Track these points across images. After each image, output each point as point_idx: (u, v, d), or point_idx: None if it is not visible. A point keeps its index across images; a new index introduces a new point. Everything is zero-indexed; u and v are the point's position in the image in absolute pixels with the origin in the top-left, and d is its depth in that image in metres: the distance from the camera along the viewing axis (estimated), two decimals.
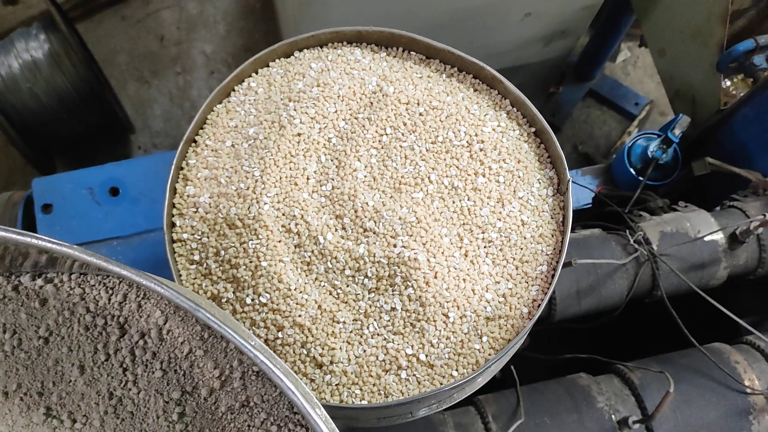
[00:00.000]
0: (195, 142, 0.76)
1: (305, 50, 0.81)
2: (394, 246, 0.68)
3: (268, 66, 0.81)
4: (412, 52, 0.82)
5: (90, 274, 0.63)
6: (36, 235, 0.50)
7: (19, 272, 0.62)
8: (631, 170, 1.42)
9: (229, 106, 0.78)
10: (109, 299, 0.62)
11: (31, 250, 0.58)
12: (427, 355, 0.67)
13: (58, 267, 0.63)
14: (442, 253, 0.69)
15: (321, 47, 0.81)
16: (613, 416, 1.12)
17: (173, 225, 0.73)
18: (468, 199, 0.72)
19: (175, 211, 0.74)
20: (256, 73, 0.80)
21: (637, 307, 1.28)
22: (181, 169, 0.75)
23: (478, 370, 0.67)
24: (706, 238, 1.22)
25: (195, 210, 0.72)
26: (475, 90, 0.80)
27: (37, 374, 0.60)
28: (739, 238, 1.21)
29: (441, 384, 0.67)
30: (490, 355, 0.69)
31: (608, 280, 1.19)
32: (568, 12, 1.47)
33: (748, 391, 1.12)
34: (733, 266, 1.24)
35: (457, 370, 0.68)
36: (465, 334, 0.68)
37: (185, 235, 0.72)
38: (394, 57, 0.81)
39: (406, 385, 0.67)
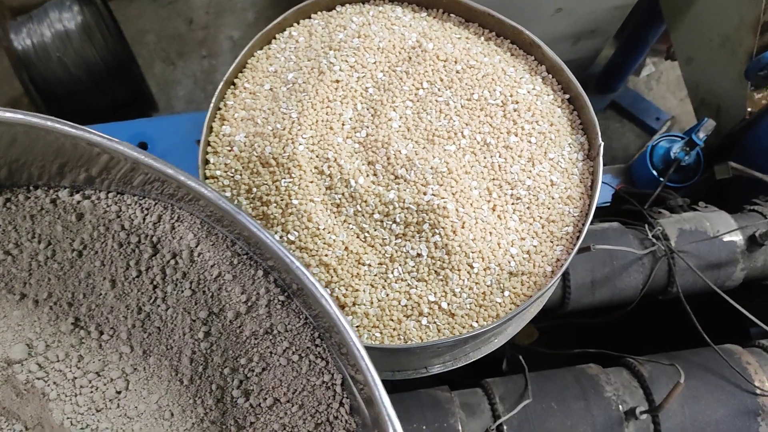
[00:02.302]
0: (233, 84, 0.78)
1: (347, 5, 0.82)
2: (424, 194, 0.69)
3: (309, 17, 0.82)
4: (451, 15, 0.83)
5: (127, 194, 0.64)
6: (89, 129, 0.51)
7: (57, 187, 0.64)
8: (653, 170, 1.42)
9: (270, 52, 0.79)
10: (144, 219, 0.63)
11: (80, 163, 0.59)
12: (449, 304, 0.68)
13: (96, 185, 0.64)
14: (471, 204, 0.70)
15: (363, 3, 0.83)
16: (620, 406, 1.12)
17: (207, 162, 0.74)
18: (499, 156, 0.73)
19: (209, 149, 0.75)
20: (298, 23, 0.82)
21: (650, 304, 1.28)
22: (219, 109, 0.77)
23: (497, 322, 0.67)
24: (724, 238, 1.22)
25: (230, 148, 0.74)
26: (512, 54, 0.81)
27: (69, 285, 0.61)
28: (758, 240, 1.20)
29: (460, 333, 0.67)
30: (510, 309, 0.69)
31: (624, 273, 1.19)
32: (599, 10, 1.48)
33: (758, 392, 1.12)
34: (750, 268, 1.24)
35: (477, 321, 0.68)
36: (488, 286, 0.69)
37: (218, 172, 0.73)
38: (434, 18, 0.83)
39: (425, 332, 0.68)
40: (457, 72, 0.76)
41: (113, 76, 2.12)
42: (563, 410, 1.09)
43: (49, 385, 0.58)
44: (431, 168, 0.70)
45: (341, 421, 0.61)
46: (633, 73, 2.43)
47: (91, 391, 0.58)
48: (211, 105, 0.75)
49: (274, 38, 0.81)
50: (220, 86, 0.76)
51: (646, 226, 1.23)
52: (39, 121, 0.50)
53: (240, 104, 0.76)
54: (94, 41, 2.09)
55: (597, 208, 0.83)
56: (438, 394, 1.05)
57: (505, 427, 1.04)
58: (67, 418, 0.58)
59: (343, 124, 0.73)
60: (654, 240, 1.20)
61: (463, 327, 0.68)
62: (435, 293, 0.68)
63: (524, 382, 1.12)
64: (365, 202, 0.69)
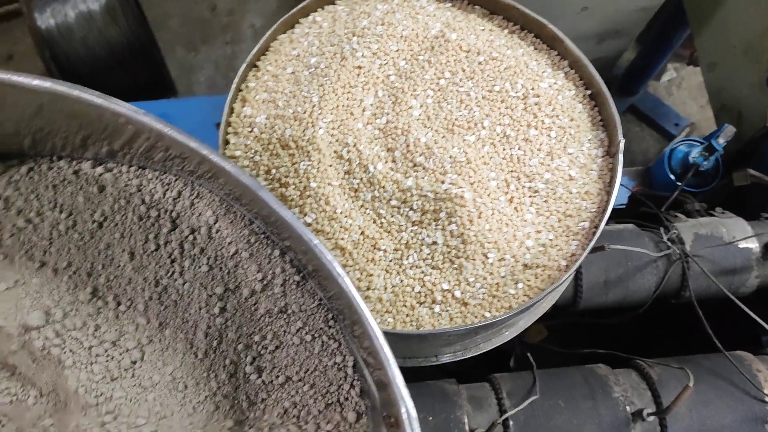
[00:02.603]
0: (256, 66, 0.78)
1: None
2: (442, 182, 0.69)
3: (334, 3, 0.82)
4: (476, 6, 0.83)
5: (148, 169, 0.65)
6: (116, 100, 0.51)
7: (80, 158, 0.65)
8: (671, 174, 1.42)
9: (293, 36, 0.80)
10: (164, 194, 0.63)
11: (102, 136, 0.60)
12: (462, 293, 0.68)
13: (118, 159, 0.65)
14: (488, 195, 0.70)
15: None
16: (627, 407, 1.11)
17: (227, 142, 0.75)
18: (518, 149, 0.73)
19: (230, 130, 0.75)
20: (322, 8, 0.82)
21: (661, 307, 1.27)
22: (240, 90, 0.77)
23: (509, 313, 0.67)
24: (740, 245, 1.21)
25: (250, 129, 0.74)
26: (535, 48, 0.81)
27: (88, 256, 0.62)
28: None
29: (472, 322, 0.68)
30: (523, 301, 0.69)
31: (637, 274, 1.19)
32: (624, 11, 1.47)
33: (767, 399, 1.11)
34: (764, 276, 1.23)
35: (489, 311, 0.68)
36: (502, 277, 0.69)
37: (238, 152, 0.74)
38: (458, 8, 0.83)
39: (438, 319, 0.68)
40: (480, 63, 0.76)
41: (134, 59, 2.13)
42: (570, 408, 1.09)
43: (65, 353, 0.59)
44: (450, 157, 0.70)
45: (351, 402, 0.62)
46: (654, 78, 2.41)
47: (107, 360, 0.59)
48: (233, 86, 0.76)
49: (298, 23, 0.81)
50: (242, 68, 0.77)
51: (662, 229, 1.22)
52: (66, 90, 0.51)
53: (262, 86, 0.76)
54: (117, 23, 2.11)
55: (613, 210, 0.83)
56: (446, 386, 1.05)
57: (511, 422, 1.04)
58: (82, 385, 0.59)
59: (363, 110, 0.73)
60: (669, 243, 1.19)
61: (476, 316, 0.68)
62: (449, 281, 0.68)
63: (532, 378, 1.12)
64: (383, 188, 0.69)
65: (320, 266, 0.51)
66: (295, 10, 0.79)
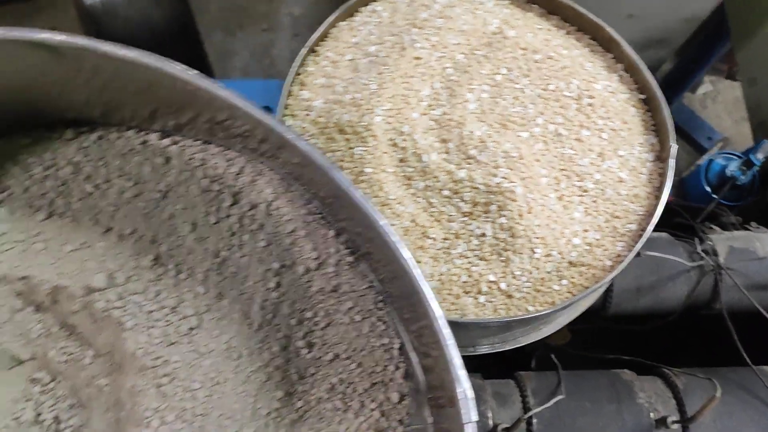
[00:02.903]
0: (314, 52, 0.80)
1: None
2: (494, 176, 0.70)
3: None
4: (533, 5, 0.84)
5: (213, 144, 0.67)
6: (186, 67, 0.53)
7: (148, 130, 0.67)
8: (707, 186, 1.41)
9: (353, 24, 0.81)
10: (227, 169, 0.65)
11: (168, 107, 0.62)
12: (507, 285, 0.69)
13: (184, 132, 0.67)
14: (539, 191, 0.71)
15: None
16: (651, 414, 1.12)
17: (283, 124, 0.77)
18: (570, 148, 0.74)
19: (287, 112, 0.77)
20: None
21: (690, 317, 1.27)
22: (298, 75, 0.79)
23: (552, 309, 0.69)
24: None
25: (307, 113, 0.76)
26: (591, 50, 0.82)
27: (152, 224, 0.64)
28: None
29: (516, 314, 0.69)
30: (566, 297, 0.70)
31: (669, 283, 1.19)
32: (670, 20, 1.47)
33: None
34: None
35: (533, 305, 0.70)
36: (547, 272, 0.70)
37: None
38: (516, 6, 0.84)
39: (482, 309, 0.69)
40: (536, 62, 0.77)
41: (175, 42, 2.16)
42: (595, 410, 1.09)
43: (125, 315, 0.62)
44: (503, 152, 0.71)
45: (395, 384, 0.63)
46: (689, 90, 2.40)
47: (165, 325, 0.61)
48: (292, 70, 0.78)
49: (358, 11, 0.83)
50: (302, 52, 0.78)
51: (696, 240, 1.22)
52: (152, 61, 0.53)
53: (320, 71, 0.78)
54: (160, 4, 2.14)
55: None
56: (471, 380, 1.06)
57: (535, 420, 1.05)
58: (140, 348, 0.61)
59: (420, 101, 0.74)
60: (703, 254, 1.19)
61: (519, 309, 0.69)
62: (495, 273, 0.69)
63: (557, 378, 1.12)
64: (436, 177, 0.71)
65: (382, 247, 0.53)
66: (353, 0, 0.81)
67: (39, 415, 0.64)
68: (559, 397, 1.06)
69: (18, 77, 0.58)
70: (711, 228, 1.29)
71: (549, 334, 0.80)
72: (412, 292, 0.50)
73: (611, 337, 1.45)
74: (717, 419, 1.10)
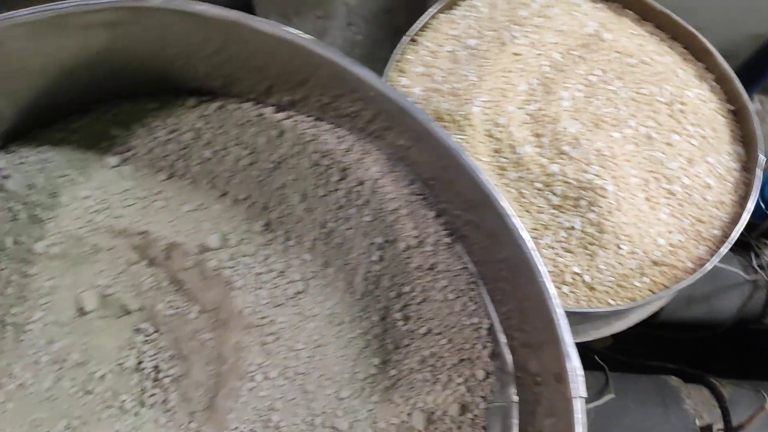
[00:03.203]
0: (414, 41, 0.83)
1: None
2: (586, 172, 0.73)
3: None
4: (628, 11, 0.87)
5: (325, 120, 0.70)
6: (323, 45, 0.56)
7: (264, 104, 0.70)
8: (762, 203, 1.42)
9: (452, 17, 0.84)
10: (336, 146, 0.69)
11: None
12: (591, 278, 0.72)
13: (298, 108, 0.70)
14: (628, 190, 0.74)
15: None
16: (697, 421, 1.14)
17: None
18: (660, 152, 0.76)
19: None
20: None
21: (738, 330, 1.29)
22: (397, 62, 0.82)
23: (632, 305, 0.71)
24: None
25: None
26: (683, 59, 0.84)
27: (264, 192, 0.68)
28: None
29: (597, 306, 0.72)
30: (647, 294, 0.73)
31: (723, 294, 1.21)
32: (735, 35, 1.47)
33: None
34: None
35: (614, 299, 0.73)
36: (630, 269, 0.73)
37: None
38: (612, 11, 0.86)
39: (564, 300, 0.72)
40: (630, 65, 0.80)
41: None
42: (642, 412, 1.12)
43: (235, 275, 0.65)
44: (595, 150, 0.74)
45: (481, 362, 0.67)
46: None
47: (273, 287, 0.65)
48: (392, 57, 0.81)
49: (456, 5, 0.86)
50: (404, 40, 0.82)
51: (752, 254, 1.23)
52: (292, 37, 0.56)
53: (419, 60, 0.81)
54: None
55: None
56: None
57: None
58: (247, 307, 0.65)
59: (517, 95, 0.77)
60: (758, 269, 1.21)
61: (600, 302, 0.72)
62: (580, 266, 0.72)
63: (604, 378, 1.15)
64: (528, 169, 0.74)
65: (495, 225, 0.55)
66: None
67: (140, 363, 0.68)
68: (610, 396, 1.09)
69: (157, 45, 0.62)
70: (766, 243, 1.31)
71: (619, 330, 0.83)
72: (523, 270, 0.53)
73: (653, 343, 1.46)
74: (762, 430, 1.11)
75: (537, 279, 0.51)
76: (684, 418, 1.13)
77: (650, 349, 1.51)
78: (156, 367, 0.69)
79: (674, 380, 1.20)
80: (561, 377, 0.51)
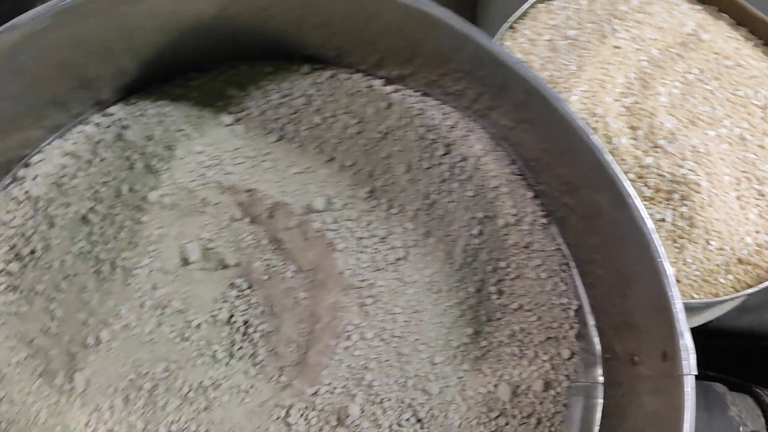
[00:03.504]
0: (512, 28, 0.85)
1: None
2: (681, 167, 0.74)
3: None
4: (724, 14, 0.87)
5: (432, 96, 0.72)
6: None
7: (374, 76, 0.73)
8: None
9: (551, 8, 0.86)
10: (442, 121, 0.71)
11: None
12: (677, 271, 0.74)
13: (406, 82, 0.72)
14: (721, 188, 0.75)
15: None
16: (741, 428, 1.14)
17: None
18: (753, 153, 0.77)
19: None
20: None
21: None
22: None
23: (714, 299, 0.73)
24: None
25: None
26: None
27: (370, 160, 0.70)
28: None
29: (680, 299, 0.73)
30: (729, 291, 0.74)
31: None
32: None
33: None
34: None
35: (698, 293, 0.74)
36: (717, 265, 0.74)
37: None
38: (709, 13, 0.87)
39: None
40: (726, 67, 0.81)
41: None
42: None
43: (337, 238, 0.68)
44: (691, 146, 0.75)
45: (567, 341, 0.68)
46: None
47: (374, 252, 0.67)
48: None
49: None
50: (503, 27, 0.83)
51: None
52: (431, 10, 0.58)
53: (517, 47, 0.83)
54: None
55: None
56: None
57: None
58: (348, 269, 0.67)
59: (614, 87, 0.79)
60: None
61: (684, 295, 0.74)
62: (667, 258, 0.73)
63: None
64: (623, 160, 0.75)
65: (611, 208, 0.57)
66: None
67: (232, 317, 0.71)
68: None
69: (266, 13, 0.64)
70: None
71: (690, 326, 0.84)
72: (639, 251, 0.55)
73: (699, 350, 1.46)
74: None
75: (655, 259, 0.52)
76: (728, 424, 1.13)
77: (697, 357, 1.51)
78: (246, 322, 0.71)
79: (719, 387, 1.20)
80: (669, 355, 0.52)
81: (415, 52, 0.68)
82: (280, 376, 0.69)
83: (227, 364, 0.70)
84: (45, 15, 0.53)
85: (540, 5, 0.87)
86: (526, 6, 0.84)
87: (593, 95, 0.78)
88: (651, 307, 0.55)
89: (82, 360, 0.65)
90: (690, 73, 0.80)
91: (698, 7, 0.87)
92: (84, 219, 0.66)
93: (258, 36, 0.69)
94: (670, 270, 0.51)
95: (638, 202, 0.52)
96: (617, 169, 0.53)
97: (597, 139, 0.53)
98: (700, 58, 0.81)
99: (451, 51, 0.64)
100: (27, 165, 0.67)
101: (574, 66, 0.78)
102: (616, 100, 0.78)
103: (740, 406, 1.16)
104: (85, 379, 0.64)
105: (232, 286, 0.72)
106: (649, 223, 0.52)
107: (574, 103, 0.77)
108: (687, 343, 0.51)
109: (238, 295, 0.72)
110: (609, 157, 0.53)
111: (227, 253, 0.71)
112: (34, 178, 0.66)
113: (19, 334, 0.64)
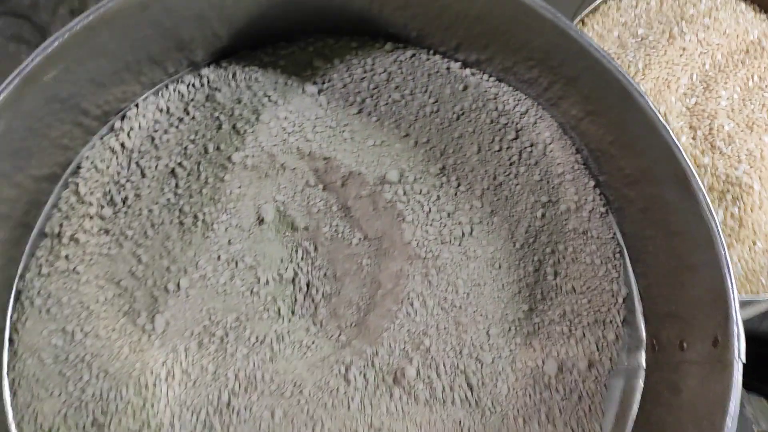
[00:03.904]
0: (582, 23, 0.88)
1: None
2: (736, 169, 0.78)
3: None
4: None
5: (506, 83, 0.76)
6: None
7: (452, 59, 0.76)
8: None
9: (621, 5, 0.89)
10: (514, 107, 0.74)
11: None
12: None
13: (482, 67, 0.76)
14: None
15: None
16: (754, 427, 1.18)
17: None
18: None
19: None
20: None
21: None
22: None
23: (755, 297, 0.77)
24: None
25: None
26: None
27: (443, 139, 0.73)
28: None
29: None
30: None
31: None
32: None
33: None
34: None
35: (739, 291, 0.77)
36: (760, 265, 0.78)
37: None
38: None
39: None
40: None
41: None
42: None
43: (407, 210, 0.71)
44: (747, 150, 0.78)
45: (614, 325, 0.72)
46: None
47: (441, 226, 0.71)
48: None
49: None
50: (574, 23, 0.86)
51: None
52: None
53: None
54: None
55: None
56: None
57: None
58: (415, 239, 0.71)
59: (678, 88, 0.82)
60: None
61: None
62: None
63: None
64: None
65: (679, 201, 0.60)
66: None
67: (296, 275, 0.75)
68: None
69: None
70: None
71: None
72: (700, 242, 0.58)
73: None
74: None
75: (719, 252, 0.56)
76: (742, 423, 1.17)
77: None
78: (309, 283, 0.76)
79: None
80: (721, 342, 0.56)
81: (492, 37, 0.71)
82: (339, 335, 0.74)
83: (289, 320, 0.74)
84: None
85: (611, 2, 0.89)
86: (596, 2, 0.87)
87: (658, 94, 0.81)
88: (707, 295, 0.58)
89: (162, 303, 0.69)
90: (751, 80, 0.83)
91: (764, 16, 0.90)
92: (172, 172, 0.71)
93: (345, 12, 0.72)
94: (730, 262, 0.55)
95: (706, 196, 0.56)
96: (690, 163, 0.56)
97: (671, 132, 0.56)
98: (762, 65, 0.84)
99: (527, 37, 0.67)
100: (123, 117, 0.71)
101: (641, 64, 0.81)
102: (679, 100, 0.81)
103: (755, 406, 1.20)
104: (165, 321, 0.69)
105: (299, 247, 0.76)
106: (715, 217, 0.56)
107: None
108: (740, 330, 0.54)
109: (304, 257, 0.76)
110: (681, 151, 0.56)
111: (298, 216, 0.75)
112: (129, 131, 0.70)
113: (108, 274, 0.69)
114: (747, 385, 1.23)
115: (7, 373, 0.66)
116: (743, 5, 0.89)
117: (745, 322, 1.21)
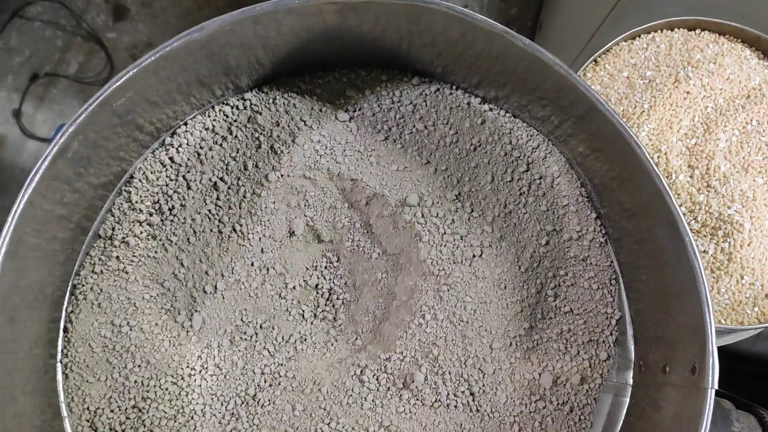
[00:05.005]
0: (595, 62, 0.94)
1: (705, 31, 0.96)
2: (729, 207, 0.84)
3: (672, 30, 0.97)
4: None
5: (520, 119, 0.82)
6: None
7: (471, 94, 0.83)
8: None
9: (632, 47, 0.95)
10: (527, 142, 0.81)
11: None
12: (711, 298, 0.84)
13: (500, 104, 0.83)
14: (762, 231, 0.85)
15: (719, 34, 0.97)
16: None
17: None
18: None
19: None
20: (661, 31, 0.97)
21: None
22: None
23: (741, 327, 0.83)
24: None
25: None
26: None
27: (461, 167, 0.80)
28: None
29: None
30: (753, 322, 0.85)
31: None
32: None
33: None
34: None
35: (725, 320, 0.84)
36: (746, 297, 0.84)
37: None
38: None
39: None
40: None
41: None
42: None
43: (423, 231, 0.78)
44: (740, 190, 0.85)
45: (606, 345, 0.79)
46: None
47: (454, 247, 0.78)
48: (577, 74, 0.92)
49: (639, 36, 0.96)
50: (587, 63, 0.93)
51: None
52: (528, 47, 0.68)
53: (597, 80, 0.93)
54: None
55: None
56: None
57: None
58: (430, 258, 0.78)
59: (680, 129, 0.88)
60: None
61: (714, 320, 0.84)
62: None
63: None
64: (678, 195, 0.85)
65: (664, 237, 0.67)
66: (640, 27, 0.94)
67: (319, 283, 0.83)
68: None
69: (376, 29, 0.74)
70: None
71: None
72: (684, 278, 0.65)
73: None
74: None
75: (699, 288, 0.63)
76: None
77: None
78: (331, 289, 0.83)
79: (726, 403, 1.30)
80: (698, 369, 0.63)
81: (509, 77, 0.78)
82: (356, 339, 0.82)
83: (312, 323, 0.82)
84: (227, 22, 0.65)
85: (623, 43, 0.96)
86: (610, 44, 0.93)
87: (660, 133, 0.87)
88: (688, 326, 0.65)
89: (200, 303, 0.77)
90: (749, 124, 0.89)
91: (766, 63, 0.96)
92: (214, 186, 0.78)
93: (377, 47, 0.79)
94: (710, 299, 0.62)
95: (692, 240, 0.63)
96: (677, 209, 0.63)
97: (665, 183, 0.63)
98: (761, 111, 0.90)
99: (540, 78, 0.73)
100: (173, 134, 0.79)
101: (646, 105, 0.88)
102: (680, 140, 0.88)
103: (744, 423, 1.26)
104: (202, 319, 0.77)
105: (323, 257, 0.84)
106: (699, 258, 0.63)
107: (643, 138, 0.87)
108: (714, 361, 0.61)
109: (327, 266, 0.84)
110: (672, 198, 0.63)
111: (324, 230, 0.83)
112: (178, 146, 0.78)
113: (154, 275, 0.77)
114: (739, 402, 1.30)
115: (61, 359, 0.74)
116: (748, 51, 0.95)
117: (739, 343, 1.28)
